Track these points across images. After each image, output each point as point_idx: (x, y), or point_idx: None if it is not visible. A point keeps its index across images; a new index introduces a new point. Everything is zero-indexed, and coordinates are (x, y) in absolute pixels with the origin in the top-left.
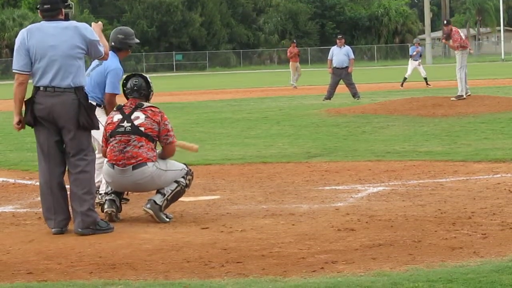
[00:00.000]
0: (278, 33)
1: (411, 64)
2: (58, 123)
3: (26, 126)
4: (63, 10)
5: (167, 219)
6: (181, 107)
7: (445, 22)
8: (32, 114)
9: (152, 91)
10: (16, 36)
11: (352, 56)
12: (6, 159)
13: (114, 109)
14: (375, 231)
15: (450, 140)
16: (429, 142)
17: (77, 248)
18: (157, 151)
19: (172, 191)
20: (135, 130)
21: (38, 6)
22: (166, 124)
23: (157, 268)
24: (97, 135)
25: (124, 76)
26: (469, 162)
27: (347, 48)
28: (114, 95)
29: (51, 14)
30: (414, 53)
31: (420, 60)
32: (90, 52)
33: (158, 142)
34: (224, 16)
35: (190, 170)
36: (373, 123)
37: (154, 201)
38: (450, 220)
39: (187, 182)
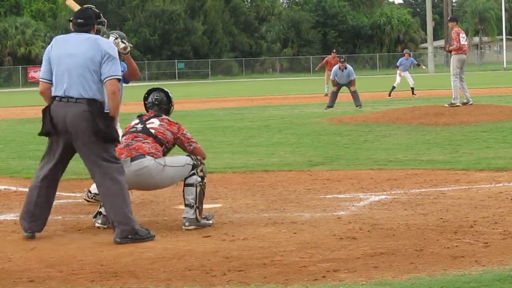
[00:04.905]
0: (280, 42)
1: (402, 74)
2: (72, 134)
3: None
4: (96, 26)
5: (210, 222)
6: (183, 115)
7: (449, 19)
8: (51, 123)
9: (172, 105)
10: (18, 44)
11: (353, 77)
12: (8, 166)
13: (135, 117)
14: (377, 240)
15: (452, 149)
16: (431, 151)
17: (78, 256)
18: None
19: (195, 196)
20: (145, 130)
21: (71, 19)
22: (185, 134)
23: (159, 276)
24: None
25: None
26: (471, 171)
27: (349, 70)
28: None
29: (83, 29)
30: (403, 64)
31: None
32: (102, 67)
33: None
34: (227, 25)
35: (198, 160)
36: (375, 132)
37: (188, 218)
38: (452, 229)
39: (202, 174)
